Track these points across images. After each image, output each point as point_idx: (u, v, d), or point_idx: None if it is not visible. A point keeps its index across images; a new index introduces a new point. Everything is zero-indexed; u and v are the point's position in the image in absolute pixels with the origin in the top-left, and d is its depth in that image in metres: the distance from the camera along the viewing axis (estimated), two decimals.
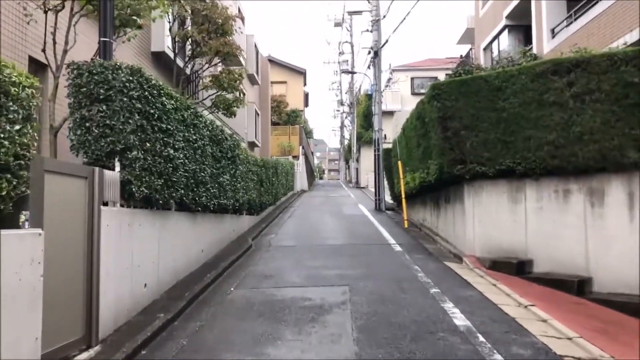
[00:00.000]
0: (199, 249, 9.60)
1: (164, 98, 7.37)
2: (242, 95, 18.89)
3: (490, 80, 9.88)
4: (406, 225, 15.38)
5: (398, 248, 11.64)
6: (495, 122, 9.75)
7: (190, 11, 11.26)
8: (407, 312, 6.56)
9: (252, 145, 25.95)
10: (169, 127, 7.54)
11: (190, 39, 11.53)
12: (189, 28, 11.98)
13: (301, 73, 43.64)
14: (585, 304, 8.06)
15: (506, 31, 17.99)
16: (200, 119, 9.20)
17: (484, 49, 20.31)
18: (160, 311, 6.71)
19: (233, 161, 11.89)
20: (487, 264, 9.52)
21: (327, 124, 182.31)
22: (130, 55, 11.32)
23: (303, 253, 11.17)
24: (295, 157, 34.14)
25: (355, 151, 41.88)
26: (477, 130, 9.92)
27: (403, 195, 15.94)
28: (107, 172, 6.09)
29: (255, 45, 26.96)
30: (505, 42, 18.06)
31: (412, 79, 40.06)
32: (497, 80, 9.80)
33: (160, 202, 7.30)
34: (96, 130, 6.29)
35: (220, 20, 11.33)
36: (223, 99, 12.10)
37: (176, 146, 7.84)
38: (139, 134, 6.60)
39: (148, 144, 6.80)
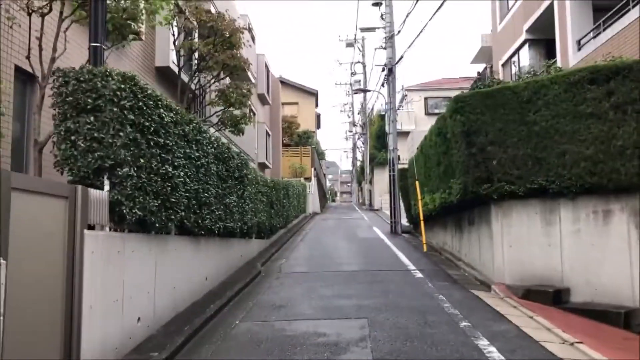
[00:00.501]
0: (203, 276, 8.81)
1: (161, 110, 6.66)
2: (251, 113, 18.24)
3: (518, 91, 9.10)
4: (425, 249, 14.48)
5: (419, 274, 10.75)
6: (526, 136, 8.94)
7: (195, 23, 10.66)
8: (437, 351, 5.69)
9: (262, 166, 25.27)
10: (168, 142, 6.82)
11: (195, 52, 10.91)
12: (195, 40, 11.38)
13: (313, 94, 43.15)
14: (636, 339, 7.12)
15: (527, 45, 17.25)
16: (204, 135, 8.49)
17: (503, 65, 19.57)
18: (155, 349, 5.89)
19: (241, 181, 11.14)
20: (519, 293, 8.60)
21: (339, 146, 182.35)
22: (132, 70, 10.69)
23: (316, 280, 10.32)
24: (307, 179, 33.42)
25: (368, 172, 41.09)
26: (505, 145, 9.11)
27: (421, 218, 15.07)
28: (93, 191, 5.35)
29: (266, 65, 26.47)
30: (526, 57, 17.30)
31: (425, 99, 39.38)
32: (526, 91, 9.01)
33: (157, 225, 6.53)
34: (83, 144, 5.58)
35: (227, 33, 10.72)
36: (230, 116, 11.42)
37: (176, 163, 7.10)
38: (132, 148, 5.87)
39: (142, 160, 6.07)
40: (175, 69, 11.50)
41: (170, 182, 6.86)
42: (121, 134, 5.67)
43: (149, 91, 6.36)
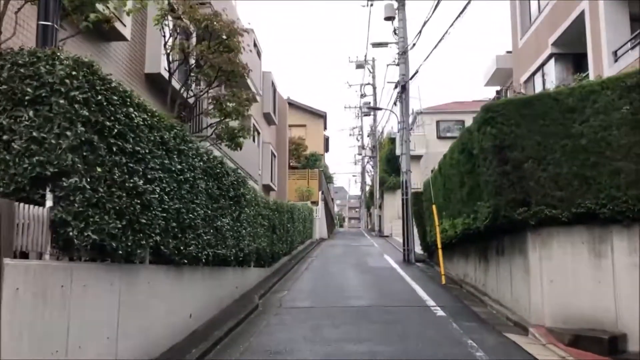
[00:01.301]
0: (186, 313, 7.41)
1: (130, 109, 5.37)
2: (253, 128, 17.19)
3: (561, 98, 7.77)
4: (444, 281, 13.00)
5: (440, 312, 9.29)
6: (570, 151, 7.58)
7: (189, 22, 9.47)
8: None
9: (267, 188, 23.97)
10: (138, 149, 5.51)
11: (189, 56, 9.70)
12: (188, 41, 10.19)
13: (321, 116, 42.08)
14: None
15: (552, 60, 15.94)
16: (190, 145, 7.19)
17: (525, 82, 18.26)
18: None
19: (237, 202, 9.82)
20: (565, 339, 7.12)
21: (348, 171, 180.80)
22: (118, 76, 9.49)
23: (321, 318, 8.89)
24: (314, 203, 32.03)
25: (377, 197, 39.69)
26: (546, 162, 7.76)
27: (439, 245, 13.62)
28: (24, 206, 4.04)
29: (273, 83, 25.38)
30: (552, 73, 15.99)
31: (437, 122, 38.07)
32: (570, 98, 7.69)
33: (122, 252, 5.19)
34: (18, 146, 4.30)
35: (224, 35, 9.53)
36: (226, 128, 10.16)
37: (149, 176, 5.78)
38: (85, 153, 4.57)
39: (99, 169, 4.75)
40: (167, 76, 10.28)
41: (141, 198, 5.54)
42: (69, 133, 4.38)
43: (113, 84, 5.09)
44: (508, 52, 23.07)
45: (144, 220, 5.59)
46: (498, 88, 27.33)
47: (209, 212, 8.00)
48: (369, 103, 39.87)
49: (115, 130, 5.03)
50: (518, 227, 8.21)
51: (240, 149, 10.41)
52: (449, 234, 12.54)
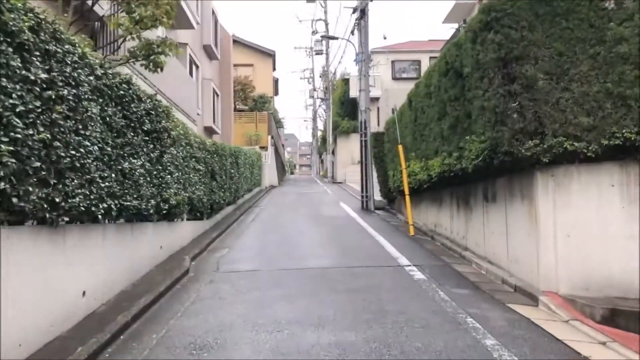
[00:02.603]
0: (76, 291, 5.21)
1: None
2: (192, 64, 14.92)
3: None
4: (412, 233, 11.20)
5: (418, 274, 7.42)
6: (604, 62, 5.62)
7: None
8: None
9: (209, 131, 21.44)
10: None
11: None
12: None
13: (270, 55, 39.08)
14: None
15: None
16: (67, 47, 4.80)
17: None
18: None
19: (157, 139, 7.53)
20: (596, 314, 5.35)
21: (299, 116, 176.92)
22: None
23: (269, 287, 6.87)
24: (264, 148, 29.69)
25: (330, 142, 37.66)
26: (568, 78, 5.79)
27: (406, 192, 11.75)
28: None
29: (214, 12, 22.43)
30: None
31: (393, 62, 35.94)
32: None
33: None
34: None
35: None
36: (141, 42, 7.68)
37: None
38: None
39: None
40: None
41: None
42: None
43: None
44: None
45: None
46: (456, 25, 25.41)
47: (109, 149, 5.71)
48: (321, 41, 37.19)
49: None
50: (521, 166, 6.32)
51: (161, 70, 8.01)
52: (419, 178, 10.66)
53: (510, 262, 7.09)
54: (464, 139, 7.49)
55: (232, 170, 14.99)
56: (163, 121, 7.82)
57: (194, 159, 10.17)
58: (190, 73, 17.95)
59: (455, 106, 7.79)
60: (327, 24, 36.99)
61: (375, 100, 30.88)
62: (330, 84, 38.55)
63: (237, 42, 37.24)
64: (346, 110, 36.33)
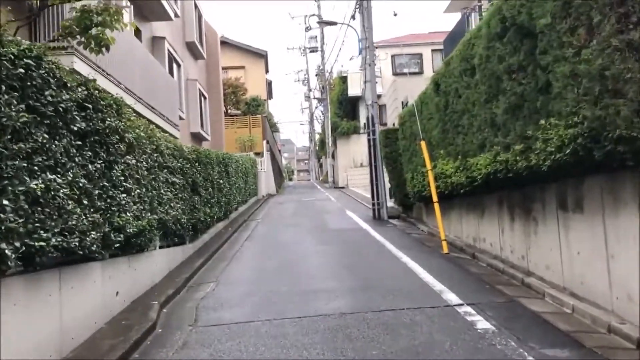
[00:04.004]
0: None
1: None
2: (173, 63, 12.92)
3: None
4: (445, 250, 8.95)
5: (480, 321, 5.16)
6: None
7: None
8: None
9: (196, 138, 19.22)
10: None
11: None
12: None
13: (262, 56, 36.87)
14: None
15: None
16: None
17: None
18: None
19: (99, 144, 5.32)
20: None
21: (294, 120, 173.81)
22: None
23: (267, 354, 4.61)
24: (259, 154, 27.45)
25: (329, 145, 35.42)
26: None
27: (435, 198, 9.51)
28: None
29: (196, 6, 20.24)
30: None
31: (392, 57, 33.82)
32: None
33: None
34: None
35: None
36: (77, 14, 5.48)
37: None
38: None
39: None
40: None
41: None
42: None
43: None
44: None
45: None
46: (459, 14, 23.35)
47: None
48: (315, 38, 35.01)
49: None
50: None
51: (107, 49, 5.84)
52: (453, 181, 8.44)
53: (616, 299, 4.84)
54: (534, 125, 5.28)
55: (221, 181, 12.75)
56: (109, 119, 5.59)
57: (165, 170, 7.94)
58: (171, 72, 15.74)
59: (518, 80, 5.57)
60: (321, 18, 34.72)
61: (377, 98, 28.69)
62: (327, 83, 36.34)
63: (226, 43, 35.05)
64: (345, 110, 34.18)
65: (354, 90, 32.43)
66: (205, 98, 20.95)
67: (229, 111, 30.28)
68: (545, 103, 5.08)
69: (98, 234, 5.13)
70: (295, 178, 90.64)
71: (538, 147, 5.24)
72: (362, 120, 33.15)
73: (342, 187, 31.78)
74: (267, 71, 39.88)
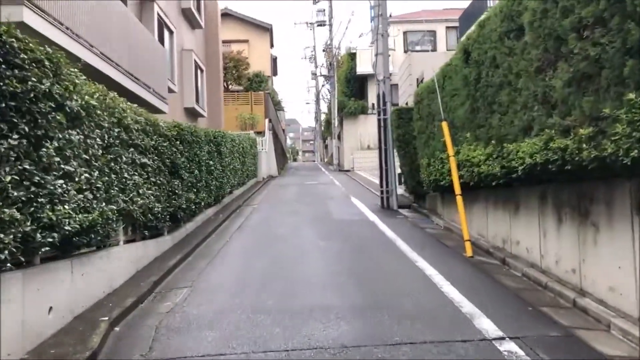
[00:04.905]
0: None
1: None
2: (164, 28, 11.63)
3: None
4: (469, 253, 7.50)
5: None
6: None
7: None
8: None
9: (191, 114, 17.74)
10: None
11: None
12: None
13: (266, 29, 35.14)
14: None
15: None
16: None
17: None
18: None
19: (20, 112, 3.87)
20: None
21: (301, 99, 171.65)
22: None
23: None
24: (260, 134, 25.94)
25: (335, 125, 33.86)
26: None
27: (457, 191, 8.04)
28: None
29: None
30: None
31: (404, 33, 32.06)
32: None
33: None
34: None
35: None
36: None
37: None
38: None
39: None
40: None
41: None
42: None
43: None
44: None
45: None
46: None
47: None
48: (323, 11, 33.22)
49: None
50: None
51: None
52: (482, 171, 6.98)
53: None
54: (612, 102, 3.81)
55: (211, 162, 11.31)
56: (38, 80, 4.13)
57: (132, 150, 6.50)
58: (161, 39, 14.20)
59: (593, 39, 4.07)
60: None
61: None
62: (334, 60, 34.61)
63: (229, 15, 33.41)
64: (353, 89, 32.53)
65: (362, 67, 30.80)
66: (202, 71, 19.40)
67: (230, 87, 28.73)
68: (637, 69, 3.60)
69: (10, 237, 3.73)
70: (300, 159, 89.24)
71: (619, 132, 3.77)
72: (371, 100, 31.55)
73: (348, 171, 30.33)
74: (272, 46, 38.17)
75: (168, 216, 8.02)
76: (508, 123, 6.00)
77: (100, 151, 5.48)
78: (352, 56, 31.95)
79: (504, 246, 7.44)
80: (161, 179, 7.65)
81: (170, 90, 14.39)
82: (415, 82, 13.50)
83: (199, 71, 18.79)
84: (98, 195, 5.33)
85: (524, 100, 5.49)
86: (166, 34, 14.91)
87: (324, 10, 33.67)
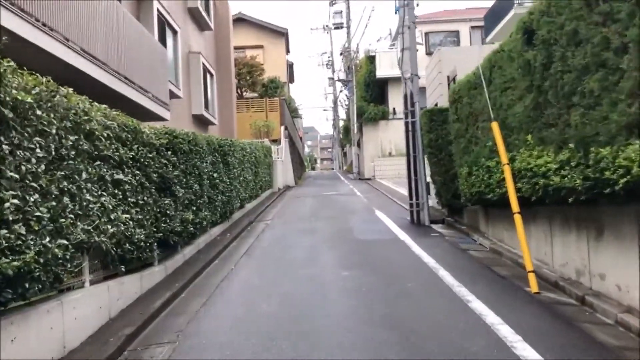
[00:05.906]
0: None
1: None
2: (166, 26, 10.47)
3: None
4: (535, 289, 5.86)
5: None
6: None
7: None
8: None
9: (199, 121, 16.37)
10: None
11: None
12: None
13: (282, 34, 33.82)
14: None
15: None
16: None
17: None
18: None
19: None
20: None
21: (317, 108, 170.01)
22: None
23: None
24: (276, 142, 24.51)
25: (355, 132, 32.28)
26: None
27: (515, 208, 6.41)
28: None
29: None
30: None
31: (426, 34, 30.43)
32: None
33: None
34: None
35: None
36: None
37: None
38: None
39: None
40: None
41: None
42: None
43: None
44: None
45: None
46: None
47: None
48: (340, 13, 31.76)
49: None
50: None
51: None
52: (555, 183, 5.36)
53: None
54: None
55: (216, 175, 9.84)
56: None
57: (100, 163, 5.04)
58: (163, 39, 12.84)
59: None
60: None
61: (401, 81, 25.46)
62: (352, 63, 33.07)
63: (243, 19, 32.23)
64: (372, 93, 30.95)
65: (382, 71, 29.24)
66: (212, 75, 18.03)
67: (244, 94, 27.39)
68: None
69: None
70: (318, 167, 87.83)
71: None
72: (392, 104, 29.96)
73: (369, 179, 28.71)
74: (287, 52, 36.85)
75: (156, 243, 6.54)
76: (599, 120, 4.39)
77: (43, 167, 4.01)
78: (371, 59, 30.40)
79: (578, 278, 5.79)
80: (145, 198, 6.18)
81: (174, 95, 13.01)
82: (445, 81, 11.95)
83: (208, 76, 17.42)
84: (37, 227, 3.86)
85: (630, 86, 3.89)
86: (169, 33, 13.55)
87: (341, 12, 32.21)
